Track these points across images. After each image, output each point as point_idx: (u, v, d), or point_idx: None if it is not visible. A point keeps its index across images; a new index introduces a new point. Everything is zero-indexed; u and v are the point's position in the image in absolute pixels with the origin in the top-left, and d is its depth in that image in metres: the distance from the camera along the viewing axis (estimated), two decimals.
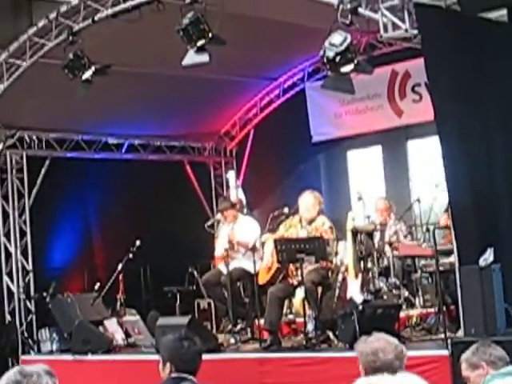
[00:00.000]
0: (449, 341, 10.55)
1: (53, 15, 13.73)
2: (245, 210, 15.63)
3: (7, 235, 15.66)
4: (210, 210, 17.47)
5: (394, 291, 13.06)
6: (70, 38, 13.26)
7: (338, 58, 10.79)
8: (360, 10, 10.71)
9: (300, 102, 17.33)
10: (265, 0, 11.96)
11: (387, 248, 13.52)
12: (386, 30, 10.77)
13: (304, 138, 17.26)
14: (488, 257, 10.26)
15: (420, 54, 11.12)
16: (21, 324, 15.53)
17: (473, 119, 10.83)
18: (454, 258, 11.17)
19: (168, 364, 6.60)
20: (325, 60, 10.97)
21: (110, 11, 13.04)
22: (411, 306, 13.24)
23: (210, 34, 11.88)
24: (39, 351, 15.12)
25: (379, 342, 5.72)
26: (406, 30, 10.65)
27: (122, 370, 12.42)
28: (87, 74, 13.13)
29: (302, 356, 12.19)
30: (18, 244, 15.72)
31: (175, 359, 6.68)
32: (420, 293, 13.37)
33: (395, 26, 10.70)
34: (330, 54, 10.80)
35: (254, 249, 13.69)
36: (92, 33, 13.25)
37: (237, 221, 14.35)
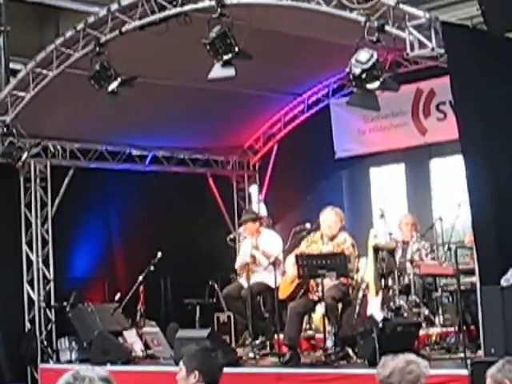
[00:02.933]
0: (468, 361, 10.50)
1: (80, 26, 13.77)
2: (270, 224, 15.58)
3: (29, 244, 15.70)
4: (232, 224, 17.47)
5: (414, 309, 13.03)
6: (97, 48, 13.30)
7: (364, 75, 10.80)
8: (387, 27, 10.70)
9: (324, 118, 17.32)
10: (291, 16, 11.95)
11: (408, 266, 13.47)
12: (412, 48, 10.76)
13: (327, 154, 17.25)
14: (510, 277, 10.22)
15: (445, 73, 11.11)
16: (40, 333, 15.54)
17: (498, 139, 10.80)
18: (475, 278, 11.14)
19: (196, 373, 6.63)
20: (351, 77, 10.98)
21: (137, 23, 13.07)
22: (431, 324, 13.21)
23: (237, 49, 11.89)
24: (58, 360, 15.15)
25: (392, 363, 5.73)
26: (433, 49, 10.64)
27: (141, 381, 12.46)
28: (113, 86, 13.16)
29: (320, 372, 12.17)
30: (40, 253, 15.74)
31: (204, 369, 6.71)
32: (440, 311, 13.36)
33: (421, 45, 10.69)
34: (357, 70, 10.81)
35: (275, 263, 13.71)
36: (119, 44, 13.30)
37: (260, 234, 14.37)
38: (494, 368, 6.16)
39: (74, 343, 15.29)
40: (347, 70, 11.04)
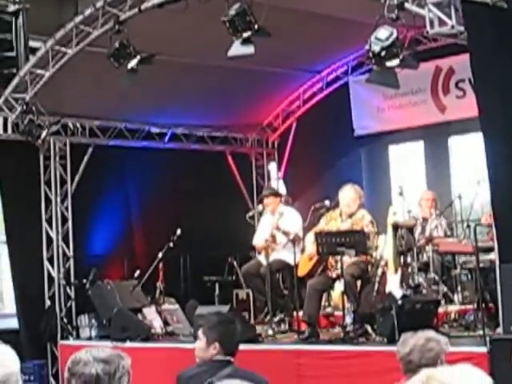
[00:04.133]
0: (487, 338, 10.48)
1: (100, 3, 13.77)
2: (290, 202, 15.60)
3: (49, 221, 15.77)
4: (251, 201, 17.50)
5: (433, 287, 13.03)
6: (116, 26, 13.31)
7: (383, 53, 10.77)
8: (406, 5, 10.67)
9: (343, 95, 17.32)
10: None
11: (428, 243, 13.48)
12: (432, 25, 10.73)
13: (346, 132, 17.26)
14: None
15: (464, 50, 11.11)
16: (60, 310, 15.62)
17: None
18: (494, 256, 11.15)
19: (216, 344, 6.67)
20: (370, 54, 10.95)
21: (156, 1, 13.09)
22: (450, 301, 13.21)
23: (256, 26, 11.90)
24: (78, 337, 15.23)
25: (413, 340, 5.75)
26: (453, 27, 10.60)
27: (160, 358, 12.50)
28: (132, 63, 13.18)
29: (339, 349, 12.20)
30: (60, 230, 15.82)
31: (224, 340, 6.74)
32: (459, 289, 13.35)
33: (441, 22, 10.66)
34: (376, 48, 10.79)
35: (294, 240, 13.75)
36: (138, 22, 13.31)
37: (280, 212, 14.38)
38: None
39: (93, 320, 15.36)
40: (366, 47, 11.00)
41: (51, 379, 15.16)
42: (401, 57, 10.95)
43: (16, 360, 4.83)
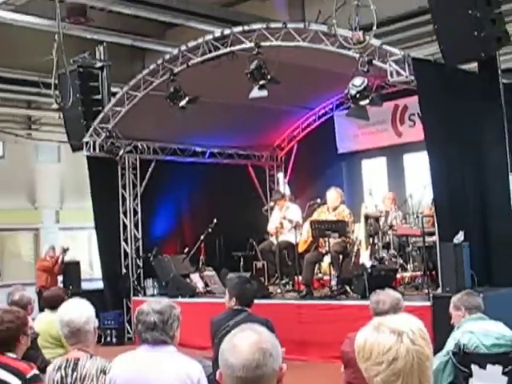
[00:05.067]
0: (431, 295, 10.65)
1: (159, 61, 13.92)
2: (293, 199, 15.66)
3: (125, 213, 15.87)
4: (265, 200, 17.52)
5: (393, 259, 13.10)
6: (171, 77, 13.43)
7: (358, 95, 10.94)
8: (374, 61, 10.83)
9: (330, 125, 17.35)
10: (306, 53, 11.99)
11: (389, 229, 13.52)
12: (391, 75, 10.89)
13: (332, 151, 17.30)
14: (460, 237, 10.36)
15: (415, 93, 11.18)
16: (132, 275, 15.71)
17: (451, 141, 10.87)
18: (435, 237, 11.24)
19: (234, 298, 6.77)
20: (349, 96, 11.10)
21: (199, 59, 13.20)
22: (404, 270, 13.25)
23: (269, 77, 12.00)
24: (145, 294, 15.33)
25: (381, 296, 5.80)
26: (406, 77, 10.73)
27: (202, 310, 12.53)
28: (182, 103, 13.32)
29: (327, 303, 12.37)
30: (132, 220, 15.91)
31: (240, 296, 6.82)
32: (411, 261, 13.38)
33: (398, 74, 10.79)
34: (353, 92, 10.92)
35: (296, 227, 13.83)
36: (187, 73, 13.38)
37: (286, 206, 14.49)
38: (456, 297, 6.26)
39: (155, 283, 15.50)
40: (346, 91, 11.16)
41: (126, 324, 15.23)
42: (370, 98, 11.06)
43: (91, 308, 4.89)
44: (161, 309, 4.40)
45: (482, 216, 10.89)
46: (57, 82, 14.39)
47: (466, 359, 5.65)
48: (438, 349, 5.51)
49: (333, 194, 13.35)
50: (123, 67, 18.32)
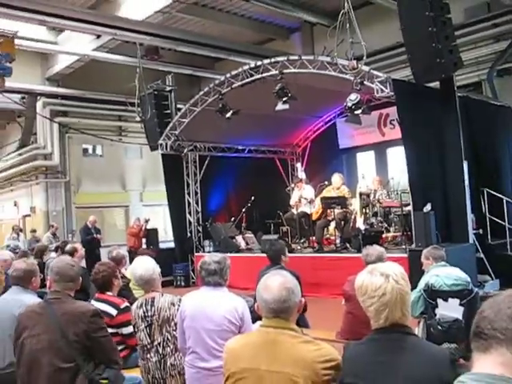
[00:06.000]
0: (407, 249, 10.58)
1: (211, 85, 13.94)
2: (308, 182, 15.59)
3: (188, 194, 15.88)
4: (288, 182, 17.49)
5: (380, 224, 12.95)
6: (220, 96, 13.42)
7: (353, 107, 10.85)
8: (365, 82, 10.70)
9: (333, 128, 17.26)
10: (316, 77, 11.91)
11: (377, 202, 13.43)
12: (377, 92, 10.76)
13: (335, 147, 17.21)
14: (428, 207, 10.33)
15: (394, 104, 11.09)
16: (195, 237, 15.75)
17: (421, 137, 10.79)
18: (410, 207, 11.18)
19: (267, 256, 6.75)
20: (347, 107, 11.02)
21: (240, 83, 13.20)
22: (388, 231, 13.11)
23: (289, 95, 11.96)
24: (204, 251, 15.31)
25: (370, 250, 5.79)
26: (388, 93, 10.62)
27: (245, 261, 12.57)
28: (228, 115, 13.32)
29: (333, 256, 12.34)
30: (193, 198, 15.92)
31: (269, 254, 6.83)
32: (393, 225, 13.30)
33: (382, 90, 10.66)
34: (349, 104, 10.88)
35: (310, 201, 13.81)
36: (231, 93, 13.38)
37: (303, 187, 14.45)
38: (426, 249, 6.25)
39: (211, 242, 15.49)
40: (345, 103, 11.09)
41: (191, 272, 15.30)
42: (362, 108, 10.99)
43: (153, 261, 4.98)
44: (218, 260, 4.48)
45: (443, 191, 10.79)
46: (139, 101, 14.60)
47: (433, 295, 5.66)
48: (413, 287, 5.49)
49: (336, 178, 13.33)
50: (185, 90, 18.39)
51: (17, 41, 13.72)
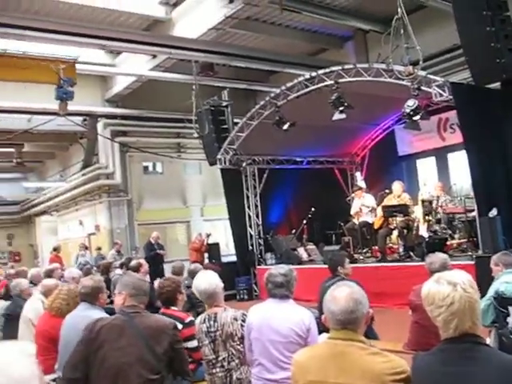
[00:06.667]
0: (473, 256, 10.39)
1: (267, 98, 14.02)
2: (367, 191, 15.42)
3: (248, 207, 16.01)
4: (348, 192, 17.32)
5: (443, 231, 12.69)
6: (276, 109, 13.47)
7: (411, 113, 10.70)
8: (422, 87, 10.55)
9: (392, 135, 17.10)
10: (371, 85, 11.83)
11: (440, 209, 13.18)
12: (436, 96, 10.59)
13: (394, 154, 17.05)
14: (493, 212, 10.10)
15: (454, 108, 10.92)
16: (256, 250, 15.82)
17: (483, 140, 10.53)
18: (475, 213, 10.95)
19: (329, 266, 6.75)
20: (405, 113, 10.88)
21: (295, 94, 13.24)
22: (452, 238, 12.85)
23: (346, 104, 11.91)
24: (265, 264, 15.38)
25: (433, 258, 5.68)
26: (447, 96, 10.44)
27: (307, 273, 12.50)
28: (285, 127, 13.38)
29: (397, 265, 12.21)
30: (254, 211, 16.03)
31: (330, 264, 6.80)
32: (457, 232, 13.01)
33: (441, 95, 10.49)
34: (407, 110, 10.74)
35: (371, 210, 13.69)
36: (287, 105, 13.41)
37: (363, 196, 14.30)
38: (495, 256, 6.10)
39: (272, 255, 15.54)
40: (403, 110, 10.95)
41: (253, 285, 15.36)
42: (420, 114, 10.82)
43: (216, 276, 5.01)
44: (285, 272, 4.54)
45: (509, 195, 10.53)
46: (196, 118, 14.81)
47: (504, 302, 5.49)
48: (482, 295, 5.36)
49: (397, 186, 13.12)
50: (241, 104, 18.51)
51: (77, 65, 14.19)
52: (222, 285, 4.97)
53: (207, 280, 4.93)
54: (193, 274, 7.48)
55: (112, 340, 3.74)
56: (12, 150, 22.90)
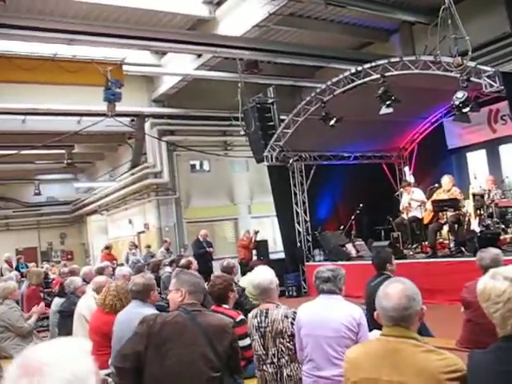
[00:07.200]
0: None
1: (313, 94, 13.93)
2: (416, 186, 15.19)
3: (296, 204, 15.96)
4: (396, 187, 17.15)
5: (496, 225, 12.41)
6: (322, 104, 13.40)
7: (460, 105, 10.49)
8: (472, 78, 10.33)
9: (441, 128, 16.78)
10: (418, 78, 11.65)
11: (492, 203, 12.89)
12: (486, 87, 10.36)
13: (443, 147, 16.73)
14: None
15: (505, 99, 10.65)
16: (304, 247, 15.79)
17: None
18: None
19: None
20: (454, 106, 10.68)
21: (341, 89, 13.13)
22: (505, 233, 12.54)
23: (393, 98, 11.75)
24: (314, 260, 15.36)
25: (484, 253, 5.54)
26: (497, 87, 10.19)
27: (356, 269, 12.42)
28: (332, 122, 13.28)
29: (448, 260, 11.98)
30: (301, 208, 15.98)
31: (376, 261, 6.72)
32: (510, 225, 12.73)
33: (491, 85, 10.25)
34: (457, 102, 10.52)
35: (421, 205, 13.51)
36: (333, 101, 13.32)
37: (412, 191, 14.10)
38: None
39: (321, 251, 15.48)
40: (452, 102, 10.74)
41: (302, 282, 15.35)
42: (470, 106, 10.58)
43: (272, 272, 5.00)
44: (333, 268, 4.59)
45: None
46: (242, 115, 14.85)
47: None
48: None
49: (446, 180, 12.88)
50: (287, 101, 18.46)
51: (124, 67, 14.42)
52: (276, 281, 4.99)
53: (263, 275, 4.97)
54: (226, 271, 7.54)
55: (175, 337, 3.77)
56: (63, 151, 23.43)
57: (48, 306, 9.33)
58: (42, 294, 11.44)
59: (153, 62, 17.89)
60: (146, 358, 3.74)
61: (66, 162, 23.70)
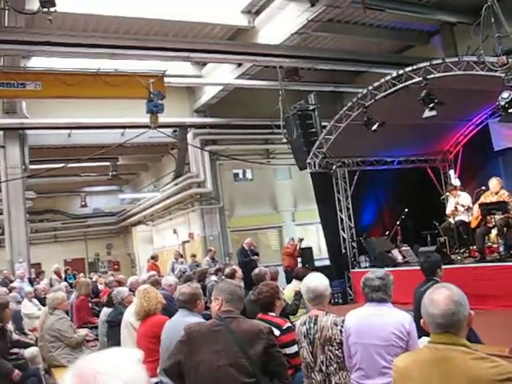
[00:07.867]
0: None
1: (354, 99, 13.85)
2: (462, 189, 14.89)
3: (340, 210, 15.80)
4: (442, 191, 16.85)
5: None
6: (364, 110, 13.32)
7: (506, 105, 10.26)
8: None
9: (486, 130, 16.40)
10: (462, 79, 11.45)
11: None
12: None
13: (490, 149, 16.32)
14: None
15: None
16: (350, 254, 15.64)
17: None
18: None
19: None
20: (500, 106, 10.47)
21: (383, 94, 13.02)
22: None
23: (436, 100, 11.61)
24: (359, 267, 15.22)
25: None
26: None
27: (403, 275, 12.26)
28: (374, 127, 13.17)
29: (498, 265, 11.68)
30: (346, 214, 15.82)
31: (424, 266, 6.62)
32: None
33: None
34: (502, 103, 10.31)
35: (467, 209, 13.25)
36: (375, 105, 13.23)
37: (458, 194, 13.85)
38: None
39: (366, 258, 15.33)
40: (497, 103, 10.55)
41: (347, 289, 15.23)
42: None
43: (327, 279, 4.98)
44: (382, 276, 4.53)
45: None
46: (284, 123, 14.88)
47: None
48: None
49: (494, 182, 12.60)
50: (328, 107, 18.43)
51: (166, 79, 14.63)
52: (330, 289, 4.99)
53: (319, 279, 4.97)
54: (258, 278, 7.58)
55: (207, 344, 3.87)
56: (107, 163, 23.90)
57: (96, 315, 9.49)
58: (90, 304, 11.65)
59: (194, 72, 18.11)
60: (185, 366, 3.88)
61: (110, 173, 24.17)
